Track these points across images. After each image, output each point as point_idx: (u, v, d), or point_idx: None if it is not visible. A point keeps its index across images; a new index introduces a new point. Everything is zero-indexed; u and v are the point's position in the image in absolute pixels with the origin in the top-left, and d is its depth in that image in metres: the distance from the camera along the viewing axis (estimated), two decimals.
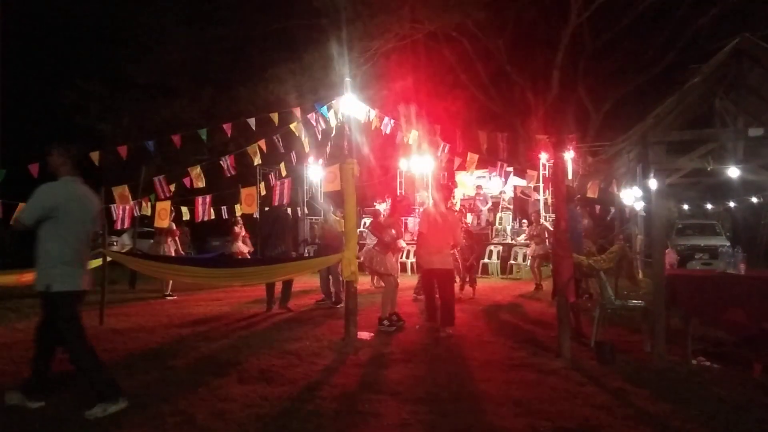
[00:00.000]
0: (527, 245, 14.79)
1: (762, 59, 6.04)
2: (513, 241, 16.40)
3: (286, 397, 4.66)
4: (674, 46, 22.32)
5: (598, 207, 13.75)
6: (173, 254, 11.00)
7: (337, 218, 9.98)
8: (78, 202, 4.35)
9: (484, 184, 18.96)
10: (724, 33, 14.90)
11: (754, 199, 20.16)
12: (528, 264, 14.98)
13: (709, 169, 6.22)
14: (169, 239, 11.05)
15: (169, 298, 10.79)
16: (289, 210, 13.25)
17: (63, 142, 4.46)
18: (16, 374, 5.30)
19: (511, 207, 18.46)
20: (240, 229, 12.17)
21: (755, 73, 6.35)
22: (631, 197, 12.35)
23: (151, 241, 13.52)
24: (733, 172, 6.73)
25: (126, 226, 10.95)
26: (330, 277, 9.79)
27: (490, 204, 18.11)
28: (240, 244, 12.03)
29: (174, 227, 11.16)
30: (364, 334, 7.09)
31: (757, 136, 5.75)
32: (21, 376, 5.13)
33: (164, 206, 9.38)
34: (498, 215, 17.83)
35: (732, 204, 23.17)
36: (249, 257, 11.56)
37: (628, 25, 22.76)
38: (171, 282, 11.01)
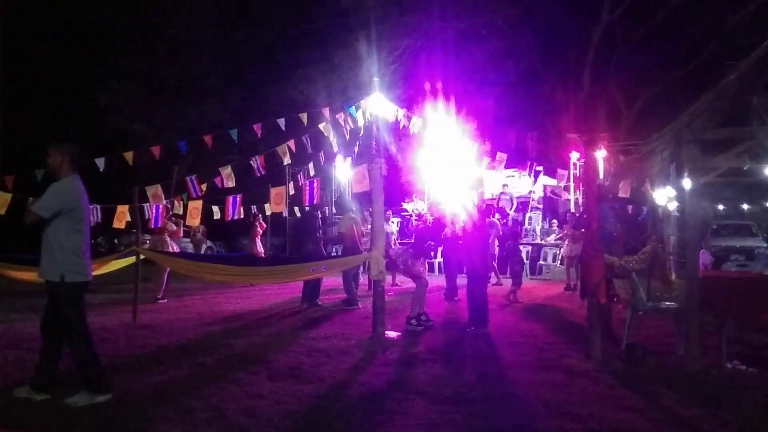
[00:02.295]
0: (557, 245, 14.64)
1: None
2: (542, 242, 16.23)
3: (315, 394, 4.70)
4: (709, 42, 21.77)
5: (630, 207, 13.52)
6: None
7: (352, 217, 10.07)
8: (85, 198, 4.54)
9: (514, 184, 18.79)
10: (762, 29, 14.51)
11: None
12: (558, 264, 14.84)
13: (745, 168, 6.10)
14: (167, 237, 11.10)
15: (160, 302, 10.54)
16: (325, 210, 13.40)
17: (59, 141, 4.59)
18: (24, 367, 5.40)
19: (541, 207, 18.27)
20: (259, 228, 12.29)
21: None
22: (665, 197, 12.11)
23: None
24: None
25: (159, 224, 11.14)
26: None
27: (515, 204, 17.94)
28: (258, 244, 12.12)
29: (173, 226, 11.20)
30: (391, 333, 7.11)
31: None
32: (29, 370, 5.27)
33: (196, 205, 9.52)
34: (527, 215, 17.67)
35: None
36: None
37: (661, 21, 22.28)
38: (164, 286, 10.87)
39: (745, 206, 24.04)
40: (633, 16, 22.31)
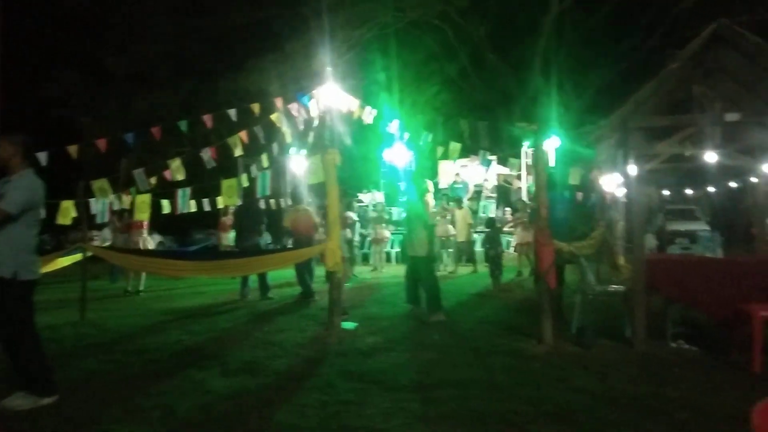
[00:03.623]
0: (511, 233, 14.88)
1: (739, 44, 6.07)
2: None
3: (269, 388, 4.65)
4: (655, 31, 22.43)
5: (579, 194, 13.83)
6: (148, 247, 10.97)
7: (301, 208, 10.02)
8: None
9: (467, 173, 19.00)
10: (704, 18, 14.97)
11: (733, 184, 20.40)
12: (512, 251, 15.08)
13: (687, 154, 6.28)
14: (135, 233, 10.99)
15: (142, 294, 10.60)
16: (271, 201, 13.14)
17: (10, 132, 4.35)
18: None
19: (494, 195, 18.52)
20: (228, 220, 12.07)
21: (732, 58, 6.39)
22: (613, 183, 12.42)
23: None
24: (711, 157, 6.80)
25: (106, 220, 10.81)
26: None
27: (470, 192, 18.16)
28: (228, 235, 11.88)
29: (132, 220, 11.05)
30: (348, 324, 7.09)
31: (734, 121, 5.81)
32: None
33: (144, 199, 9.27)
34: (481, 203, 17.88)
35: (711, 189, 23.44)
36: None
37: (609, 11, 22.82)
38: (144, 278, 10.87)
39: (689, 191, 24.92)
40: (582, 6, 22.77)
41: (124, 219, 11.81)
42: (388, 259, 16.25)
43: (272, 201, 15.20)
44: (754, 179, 8.54)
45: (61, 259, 8.89)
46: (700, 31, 6.23)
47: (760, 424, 1.42)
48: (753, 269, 5.63)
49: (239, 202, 10.10)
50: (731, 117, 5.78)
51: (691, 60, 6.27)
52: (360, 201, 18.27)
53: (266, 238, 10.93)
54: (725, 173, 18.64)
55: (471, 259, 14.51)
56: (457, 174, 18.28)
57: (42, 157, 9.38)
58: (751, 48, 5.96)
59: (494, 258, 10.94)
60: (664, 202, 23.04)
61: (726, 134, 6.66)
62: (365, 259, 16.35)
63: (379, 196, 18.51)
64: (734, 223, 19.75)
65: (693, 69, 6.67)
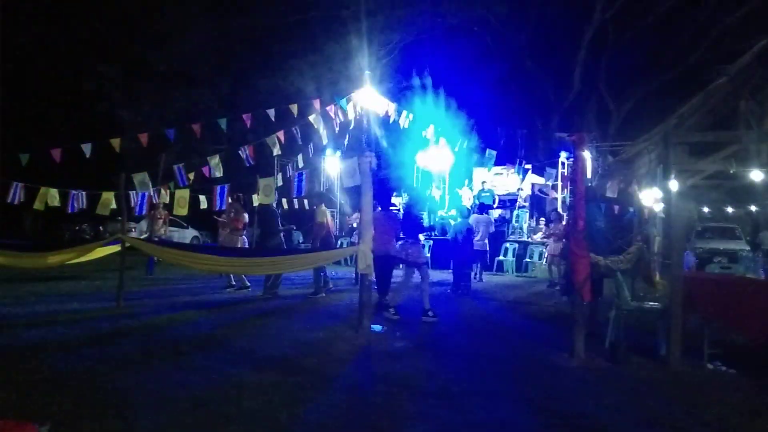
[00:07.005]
0: (543, 243, 14.72)
1: None
2: (529, 239, 16.28)
3: (298, 386, 4.69)
4: (699, 45, 21.95)
5: (617, 207, 13.61)
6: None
7: (323, 209, 10.13)
8: None
9: (502, 181, 18.85)
10: (751, 33, 14.62)
11: None
12: (544, 262, 14.92)
13: (731, 171, 6.13)
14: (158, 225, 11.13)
15: (244, 290, 10.40)
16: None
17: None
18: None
19: (527, 204, 18.34)
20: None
21: None
22: (651, 198, 12.19)
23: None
24: (757, 175, 6.62)
25: (145, 212, 11.05)
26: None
27: (497, 201, 18.01)
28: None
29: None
30: (377, 327, 7.12)
31: None
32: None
33: (183, 194, 9.45)
34: (515, 213, 17.72)
35: (753, 208, 22.82)
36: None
37: (652, 22, 22.42)
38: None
39: (730, 209, 24.29)
40: (625, 17, 22.41)
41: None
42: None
43: (305, 201, 15.34)
44: None
45: (99, 249, 9.13)
46: (748, 46, 6.09)
47: None
48: None
49: (274, 201, 10.18)
50: None
51: (739, 75, 6.14)
52: (393, 204, 18.23)
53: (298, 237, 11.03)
54: None
55: None
56: (484, 182, 18.06)
57: (86, 149, 9.65)
58: None
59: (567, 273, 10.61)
60: (702, 220, 22.52)
61: None
62: None
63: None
64: None
65: (741, 84, 6.53)
